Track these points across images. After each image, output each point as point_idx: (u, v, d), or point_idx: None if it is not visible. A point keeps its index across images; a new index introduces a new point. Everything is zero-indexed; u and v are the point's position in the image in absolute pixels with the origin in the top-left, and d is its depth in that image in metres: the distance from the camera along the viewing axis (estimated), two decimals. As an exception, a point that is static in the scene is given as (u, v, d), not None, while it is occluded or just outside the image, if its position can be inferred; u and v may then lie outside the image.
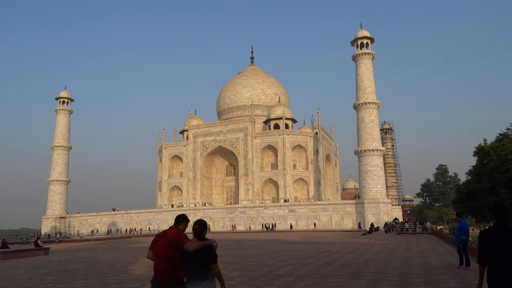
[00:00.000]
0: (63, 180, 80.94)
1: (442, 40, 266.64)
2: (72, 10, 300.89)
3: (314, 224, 61.13)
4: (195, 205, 74.80)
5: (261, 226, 63.65)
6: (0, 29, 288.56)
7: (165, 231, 4.95)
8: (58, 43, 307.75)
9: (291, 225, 62.22)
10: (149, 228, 70.14)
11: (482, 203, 27.18)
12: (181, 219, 5.05)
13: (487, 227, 4.90)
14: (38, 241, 30.83)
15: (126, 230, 69.48)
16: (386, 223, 52.59)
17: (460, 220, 13.58)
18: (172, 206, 78.54)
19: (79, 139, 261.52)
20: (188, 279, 4.65)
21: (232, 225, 65.86)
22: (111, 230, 72.44)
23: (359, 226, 56.62)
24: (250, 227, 64.22)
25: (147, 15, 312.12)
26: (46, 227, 77.57)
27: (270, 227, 61.40)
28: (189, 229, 4.79)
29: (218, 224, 68.10)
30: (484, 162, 28.50)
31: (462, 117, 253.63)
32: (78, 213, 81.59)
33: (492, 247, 4.15)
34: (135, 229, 69.53)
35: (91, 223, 77.84)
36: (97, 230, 72.02)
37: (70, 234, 71.02)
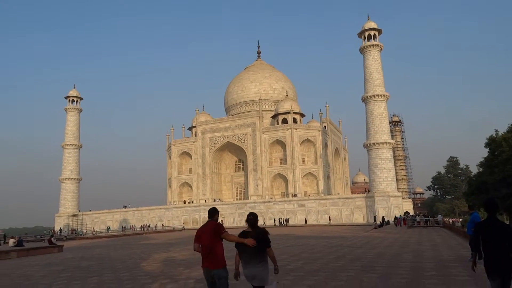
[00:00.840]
0: (75, 178, 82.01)
1: (451, 31, 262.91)
2: (81, 10, 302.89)
3: (329, 218, 60.89)
4: (205, 201, 75.18)
5: (273, 221, 63.50)
6: (9, 29, 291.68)
7: (205, 225, 5.78)
8: (67, 42, 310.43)
9: (305, 220, 61.72)
10: (162, 225, 70.53)
11: (495, 195, 26.86)
12: (215, 211, 5.93)
13: (485, 219, 5.58)
14: (52, 239, 31.31)
15: (142, 226, 69.94)
16: (395, 217, 52.31)
17: (472, 212, 13.50)
18: (185, 202, 79.08)
19: (89, 137, 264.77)
20: (247, 262, 5.43)
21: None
22: (124, 227, 73.15)
23: (374, 220, 55.50)
24: (264, 222, 64.14)
25: (154, 13, 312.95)
26: (59, 225, 78.79)
27: (284, 222, 61.25)
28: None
29: (228, 219, 68.37)
30: (495, 153, 28.13)
31: (473, 108, 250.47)
32: (90, 210, 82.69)
33: (486, 235, 5.26)
34: (149, 226, 70.14)
35: (103, 220, 78.83)
36: (109, 227, 72.90)
37: (83, 232, 71.96)
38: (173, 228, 65.97)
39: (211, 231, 5.60)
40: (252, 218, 5.62)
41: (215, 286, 5.55)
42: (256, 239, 5.32)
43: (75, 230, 72.39)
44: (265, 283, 5.45)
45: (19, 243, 27.80)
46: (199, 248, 5.69)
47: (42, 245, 29.50)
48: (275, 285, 5.66)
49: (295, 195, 69.59)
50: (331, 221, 60.05)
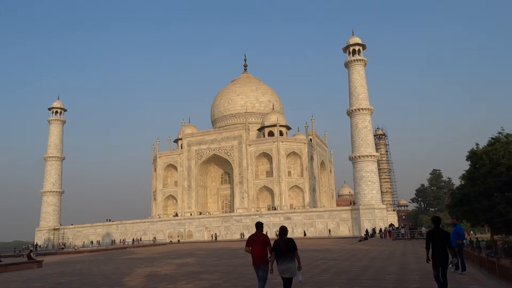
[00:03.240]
0: (57, 191, 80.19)
1: (433, 44, 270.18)
2: (66, 21, 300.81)
3: (329, 231, 60.41)
4: (190, 214, 74.31)
5: (268, 234, 62.89)
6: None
7: (256, 234, 8.37)
8: (52, 53, 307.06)
9: (304, 233, 60.78)
10: (154, 238, 68.89)
11: (477, 207, 27.32)
12: (261, 225, 8.53)
13: (432, 229, 8.92)
14: (31, 254, 30.38)
15: (134, 239, 68.07)
16: (380, 229, 52.56)
17: (456, 224, 13.73)
18: (176, 214, 77.96)
19: (73, 148, 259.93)
20: (282, 260, 7.83)
21: (241, 234, 64.39)
22: (114, 240, 71.18)
23: (366, 232, 54.46)
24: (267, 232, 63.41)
25: (140, 25, 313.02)
26: (39, 239, 76.61)
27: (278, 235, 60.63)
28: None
29: (213, 233, 67.60)
30: (477, 166, 28.70)
31: (455, 121, 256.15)
32: (72, 224, 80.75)
33: (433, 238, 8.65)
34: (140, 239, 68.62)
35: (85, 235, 77.00)
36: (91, 242, 71.24)
37: (65, 245, 70.22)
38: (171, 241, 65.12)
39: (263, 242, 8.25)
40: (283, 230, 8.29)
41: (260, 275, 8.22)
42: (286, 245, 7.88)
43: (63, 243, 70.33)
44: (294, 275, 7.88)
45: (-3, 258, 26.89)
46: (249, 250, 8.32)
47: (21, 261, 28.61)
48: (301, 276, 8.07)
49: (274, 208, 69.53)
50: (317, 234, 59.87)
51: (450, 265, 9.30)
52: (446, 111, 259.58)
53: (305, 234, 60.33)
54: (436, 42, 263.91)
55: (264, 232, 49.43)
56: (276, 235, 62.99)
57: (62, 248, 64.81)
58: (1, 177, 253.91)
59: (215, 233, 66.08)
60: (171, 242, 63.59)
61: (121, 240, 69.73)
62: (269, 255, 8.15)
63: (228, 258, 23.87)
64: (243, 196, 73.21)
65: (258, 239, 8.25)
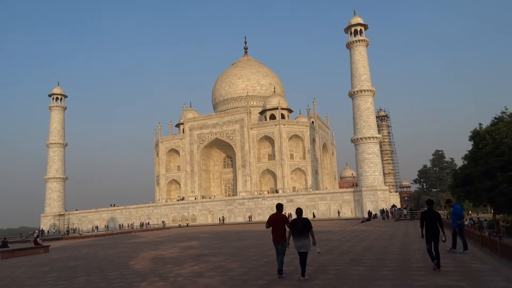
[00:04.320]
0: (60, 178, 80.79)
1: (436, 25, 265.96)
2: (66, 8, 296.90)
3: (338, 212, 60.43)
4: (195, 198, 74.77)
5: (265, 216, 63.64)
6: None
7: (276, 214, 9.48)
8: (51, 40, 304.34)
9: (314, 214, 59.97)
10: (163, 222, 69.09)
11: (479, 187, 27.31)
12: (281, 206, 9.63)
13: (425, 209, 10.37)
14: (38, 239, 30.80)
15: (141, 224, 68.44)
16: (382, 210, 52.83)
17: (452, 205, 13.85)
18: (166, 200, 78.59)
19: (75, 135, 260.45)
20: (298, 237, 8.94)
21: (249, 216, 64.85)
22: (122, 225, 71.81)
23: (369, 214, 52.95)
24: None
25: (139, 11, 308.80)
26: (45, 225, 77.59)
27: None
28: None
29: (217, 216, 68.26)
30: (480, 146, 28.57)
31: (458, 102, 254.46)
32: (76, 210, 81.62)
33: (425, 218, 10.03)
34: (148, 223, 69.30)
35: (90, 220, 77.90)
36: (97, 227, 72.10)
37: (74, 231, 70.91)
38: (179, 225, 66.04)
39: (282, 221, 9.37)
40: (299, 211, 9.39)
41: (279, 249, 9.39)
42: (302, 223, 8.97)
43: (73, 229, 70.90)
44: (308, 249, 8.97)
45: (4, 244, 27.27)
46: (269, 227, 9.50)
47: (27, 246, 29.03)
48: (318, 248, 9.58)
49: (277, 191, 69.93)
50: (320, 215, 60.12)
51: (442, 240, 10.04)
52: (449, 91, 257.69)
53: (314, 216, 59.64)
54: (439, 22, 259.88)
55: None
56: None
57: (67, 232, 65.79)
58: (6, 164, 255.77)
59: (222, 216, 66.50)
60: (179, 226, 64.34)
61: (129, 225, 70.35)
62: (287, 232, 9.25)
63: (232, 241, 24.13)
64: (245, 179, 73.54)
65: (278, 218, 9.40)
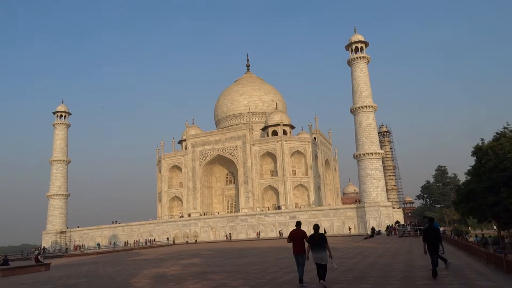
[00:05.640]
0: (63, 194, 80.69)
1: (437, 41, 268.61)
2: (69, 24, 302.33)
3: (349, 229, 59.50)
4: (200, 215, 74.17)
5: (274, 233, 63.42)
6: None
7: (296, 230, 10.65)
8: (55, 56, 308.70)
9: (325, 230, 58.71)
10: (167, 238, 68.84)
11: (483, 203, 27.13)
12: (300, 223, 10.98)
13: (427, 226, 11.69)
14: (39, 257, 30.59)
15: (146, 240, 68.07)
16: (388, 226, 52.36)
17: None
18: (170, 216, 78.13)
19: (78, 152, 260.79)
20: (317, 250, 10.01)
21: (257, 233, 64.14)
22: (127, 242, 70.66)
23: (372, 230, 51.40)
24: (281, 234, 62.84)
25: (142, 27, 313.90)
26: (46, 242, 77.07)
27: (282, 234, 60.63)
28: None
29: (219, 233, 67.70)
30: (482, 161, 28.51)
31: (460, 117, 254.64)
32: (78, 227, 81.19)
33: (427, 234, 11.19)
34: (154, 239, 68.72)
35: (92, 237, 77.40)
36: (98, 244, 71.49)
37: (82, 247, 70.16)
38: (187, 242, 65.74)
39: (302, 236, 10.50)
40: (315, 227, 10.47)
41: (299, 261, 10.46)
42: (318, 238, 10.06)
43: (79, 246, 70.07)
44: (325, 261, 10.01)
45: (5, 261, 27.09)
46: (290, 242, 10.58)
47: (28, 264, 28.81)
48: (335, 264, 10.69)
49: (279, 207, 69.50)
50: (351, 231, 59.10)
51: (440, 253, 11.69)
52: (451, 107, 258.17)
53: (325, 232, 57.47)
54: (440, 38, 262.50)
55: (274, 231, 61.22)
56: (280, 234, 63.36)
57: (66, 250, 65.28)
58: (8, 180, 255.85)
59: (229, 233, 65.75)
60: (187, 243, 63.74)
61: (135, 241, 69.42)
62: (306, 246, 10.33)
63: (233, 258, 23.90)
64: (248, 196, 73.25)
65: (298, 234, 10.54)
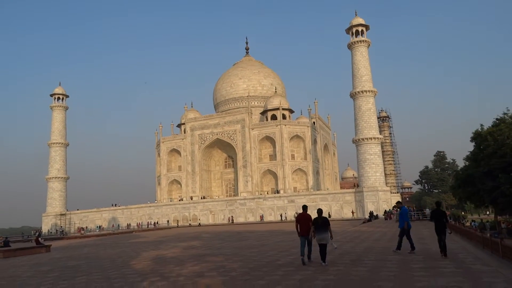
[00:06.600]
0: (62, 177, 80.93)
1: (437, 27, 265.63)
2: (68, 9, 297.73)
3: (352, 213, 59.74)
4: (200, 198, 74.56)
5: (271, 216, 64.09)
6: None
7: (303, 214, 11.75)
8: (53, 41, 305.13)
9: (329, 214, 58.63)
10: (168, 221, 69.63)
11: (481, 188, 27.28)
12: (306, 207, 12.03)
13: (435, 209, 12.83)
14: (39, 239, 30.84)
15: (148, 223, 68.89)
16: (385, 211, 52.79)
17: (401, 207, 14.31)
18: (170, 199, 78.59)
19: (77, 135, 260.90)
20: (319, 231, 11.10)
21: (260, 216, 64.65)
22: (130, 224, 71.47)
23: (370, 214, 51.56)
24: (282, 217, 63.41)
25: (142, 13, 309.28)
26: (46, 225, 77.74)
27: (285, 217, 61.34)
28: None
29: (218, 216, 68.26)
30: (481, 147, 28.56)
31: (459, 103, 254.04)
32: (78, 209, 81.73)
33: (435, 216, 12.55)
34: (157, 222, 69.36)
35: (91, 219, 78.02)
36: (99, 226, 72.12)
37: (85, 229, 70.64)
38: (190, 224, 66.42)
39: (308, 219, 11.58)
40: (319, 210, 11.82)
41: (306, 243, 11.60)
42: (321, 221, 11.19)
43: (82, 228, 70.51)
44: (327, 242, 11.17)
45: (5, 243, 27.33)
46: (297, 226, 11.68)
47: (29, 245, 29.07)
48: (335, 243, 12.05)
49: (278, 191, 69.93)
50: (354, 215, 59.38)
51: (448, 233, 12.80)
52: (450, 92, 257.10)
53: (329, 216, 57.58)
54: (440, 25, 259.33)
55: (272, 215, 63.62)
56: (281, 218, 63.96)
57: (63, 233, 65.83)
58: (8, 164, 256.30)
59: (232, 216, 66.17)
60: (190, 225, 64.22)
61: (138, 224, 69.96)
62: (311, 228, 11.39)
63: (232, 241, 24.13)
64: (247, 180, 73.55)
65: (304, 217, 11.66)
